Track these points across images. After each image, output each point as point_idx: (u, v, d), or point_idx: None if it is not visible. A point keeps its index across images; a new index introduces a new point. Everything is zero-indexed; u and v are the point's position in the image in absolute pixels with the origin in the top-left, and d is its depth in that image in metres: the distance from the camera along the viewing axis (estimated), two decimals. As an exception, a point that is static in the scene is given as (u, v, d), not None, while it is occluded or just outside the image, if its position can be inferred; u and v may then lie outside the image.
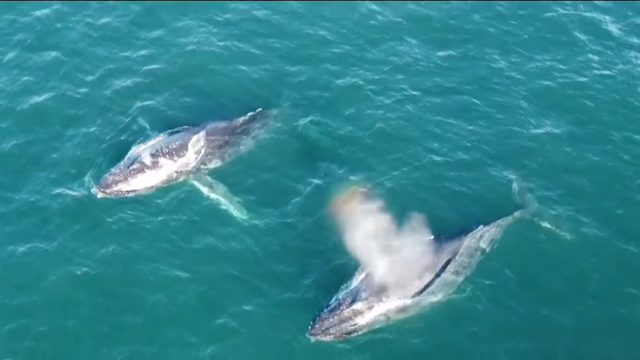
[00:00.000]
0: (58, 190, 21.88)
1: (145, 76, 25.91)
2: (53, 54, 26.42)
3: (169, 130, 23.94)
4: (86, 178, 22.10)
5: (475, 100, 25.40)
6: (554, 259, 20.55)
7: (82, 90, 25.15)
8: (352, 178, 22.49)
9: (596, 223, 21.30)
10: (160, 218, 21.38)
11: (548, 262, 20.50)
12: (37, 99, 24.91)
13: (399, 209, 20.31)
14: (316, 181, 22.45)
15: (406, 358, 18.44)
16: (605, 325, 18.84)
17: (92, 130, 23.86)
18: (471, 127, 24.43)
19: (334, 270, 20.02)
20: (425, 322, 18.97)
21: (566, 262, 20.40)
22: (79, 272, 19.78)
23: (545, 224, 21.43)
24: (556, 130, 24.17)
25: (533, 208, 21.79)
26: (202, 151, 23.33)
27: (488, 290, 19.65)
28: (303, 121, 24.77)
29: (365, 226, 19.38)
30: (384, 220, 19.55)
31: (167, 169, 22.77)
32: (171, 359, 18.35)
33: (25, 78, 25.65)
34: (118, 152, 22.82)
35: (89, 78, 25.61)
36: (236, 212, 21.78)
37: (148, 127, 23.89)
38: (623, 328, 18.76)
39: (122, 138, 23.58)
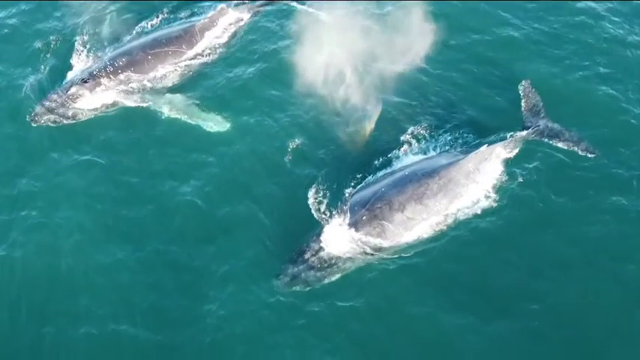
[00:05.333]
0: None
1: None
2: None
3: (116, 44, 21.14)
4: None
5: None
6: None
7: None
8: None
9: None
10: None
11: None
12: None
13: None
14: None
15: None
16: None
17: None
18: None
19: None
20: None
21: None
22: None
23: (561, 144, 17.76)
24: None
25: (548, 126, 18.08)
26: (156, 67, 20.16)
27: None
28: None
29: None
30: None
31: (114, 90, 19.74)
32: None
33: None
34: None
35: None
36: (211, 126, 18.84)
37: (106, 43, 21.08)
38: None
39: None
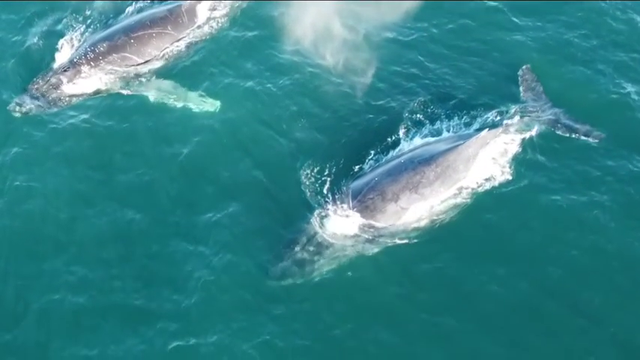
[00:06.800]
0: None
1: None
2: None
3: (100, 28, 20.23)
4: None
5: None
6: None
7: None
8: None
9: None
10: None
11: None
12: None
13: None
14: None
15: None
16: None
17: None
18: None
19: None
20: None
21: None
22: None
23: (562, 132, 17.11)
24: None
25: (549, 117, 17.38)
26: (139, 51, 19.26)
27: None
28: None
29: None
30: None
31: (95, 77, 18.86)
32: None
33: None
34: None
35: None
36: (201, 107, 18.05)
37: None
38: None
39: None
